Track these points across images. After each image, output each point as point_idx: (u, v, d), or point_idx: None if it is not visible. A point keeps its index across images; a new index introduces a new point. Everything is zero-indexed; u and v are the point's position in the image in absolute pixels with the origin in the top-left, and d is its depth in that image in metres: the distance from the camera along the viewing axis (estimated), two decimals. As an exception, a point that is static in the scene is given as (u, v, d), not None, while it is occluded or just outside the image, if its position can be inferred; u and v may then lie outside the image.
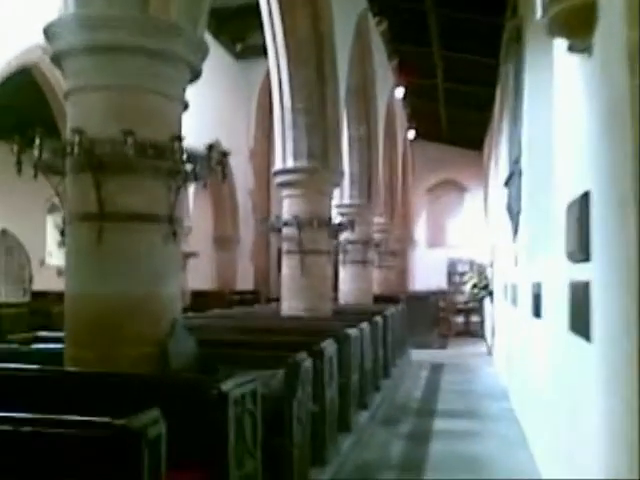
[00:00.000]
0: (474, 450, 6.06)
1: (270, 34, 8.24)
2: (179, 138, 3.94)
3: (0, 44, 10.24)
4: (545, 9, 2.65)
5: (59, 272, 20.21)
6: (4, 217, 18.58)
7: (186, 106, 4.29)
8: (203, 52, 4.21)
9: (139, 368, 3.82)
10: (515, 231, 7.77)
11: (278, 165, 8.63)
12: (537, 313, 5.69)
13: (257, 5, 8.47)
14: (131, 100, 3.89)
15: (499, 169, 10.97)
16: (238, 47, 16.12)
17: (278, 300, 15.41)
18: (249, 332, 6.23)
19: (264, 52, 8.40)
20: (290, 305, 8.45)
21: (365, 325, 6.83)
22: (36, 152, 3.68)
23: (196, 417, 3.01)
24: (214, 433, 2.98)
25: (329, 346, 5.05)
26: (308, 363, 4.30)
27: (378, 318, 7.77)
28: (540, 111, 6.14)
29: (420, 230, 19.86)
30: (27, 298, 16.35)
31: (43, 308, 9.34)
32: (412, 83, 14.55)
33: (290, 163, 8.47)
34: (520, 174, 7.23)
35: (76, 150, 3.62)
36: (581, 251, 3.01)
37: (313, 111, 8.45)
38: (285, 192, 8.60)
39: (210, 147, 4.08)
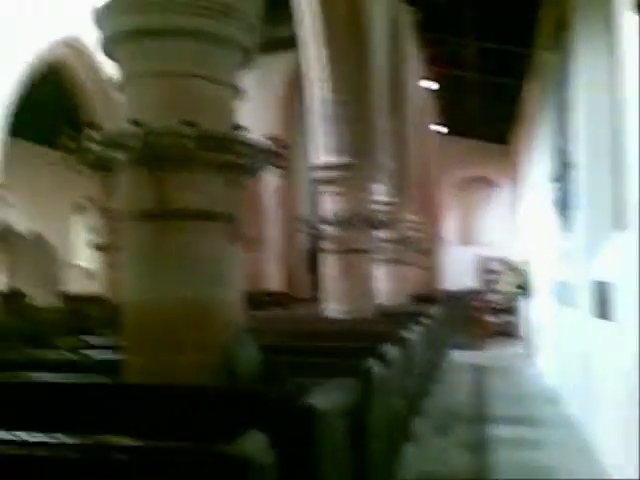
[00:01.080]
0: (538, 459, 5.71)
1: (305, 22, 7.90)
2: (238, 127, 3.63)
3: (24, 41, 10.09)
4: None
5: (89, 274, 20.15)
6: (35, 220, 18.50)
7: (241, 93, 3.98)
8: (257, 35, 3.89)
9: (202, 377, 3.52)
10: (566, 227, 7.39)
11: (316, 161, 8.31)
12: (602, 314, 5.33)
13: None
14: (186, 86, 3.59)
15: (537, 163, 10.59)
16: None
17: (310, 301, 15.24)
18: (300, 336, 5.92)
19: (289, 45, 8.13)
20: (331, 306, 8.14)
21: (417, 327, 6.51)
22: (90, 145, 3.38)
23: (281, 435, 2.70)
24: (303, 452, 2.66)
25: (392, 351, 4.73)
26: (379, 370, 3.98)
27: (426, 319, 7.43)
28: (599, 101, 5.77)
29: (451, 228, 19.46)
30: (59, 301, 16.22)
31: (81, 311, 9.15)
32: (443, 75, 14.18)
33: (328, 158, 8.15)
34: (570, 167, 6.86)
35: (134, 143, 3.31)
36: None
37: (351, 103, 8.11)
38: (323, 189, 8.27)
39: (272, 138, 3.77)
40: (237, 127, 3.65)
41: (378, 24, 8.85)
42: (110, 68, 4.08)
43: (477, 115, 16.34)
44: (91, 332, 7.16)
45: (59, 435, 1.99)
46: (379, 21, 9.00)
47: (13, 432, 2.05)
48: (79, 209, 21.01)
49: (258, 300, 14.23)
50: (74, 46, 11.51)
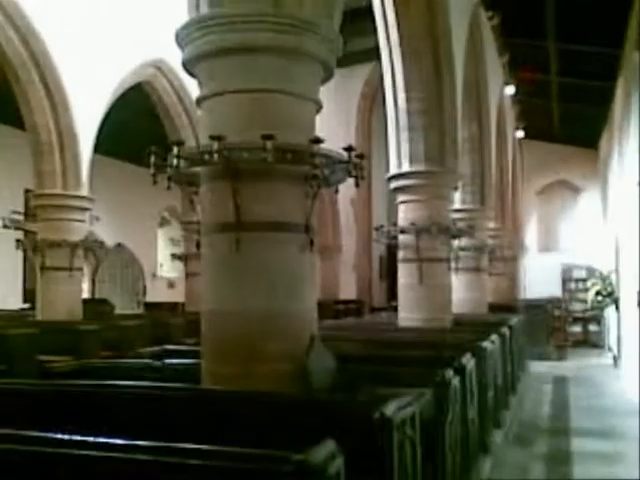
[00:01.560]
0: (621, 474, 5.47)
1: (383, 32, 7.93)
2: (317, 141, 3.69)
3: (113, 62, 10.62)
4: None
5: (170, 284, 20.97)
6: (120, 232, 19.42)
7: (320, 107, 4.05)
8: (337, 49, 3.95)
9: (277, 386, 3.60)
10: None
11: (393, 170, 8.30)
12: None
13: (354, 10, 8.19)
14: (267, 103, 3.69)
15: (626, 167, 10.13)
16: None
17: (383, 310, 15.20)
18: (376, 345, 5.92)
19: (368, 57, 8.15)
20: (407, 316, 8.08)
21: (495, 337, 6.36)
22: (174, 161, 3.54)
23: (354, 444, 2.73)
24: (375, 462, 2.68)
25: (468, 361, 4.65)
26: (456, 381, 3.94)
27: (505, 329, 7.25)
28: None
29: (531, 235, 18.88)
30: (141, 310, 16.91)
31: (161, 320, 9.48)
32: (524, 79, 13.82)
33: (406, 167, 8.12)
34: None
35: (215, 157, 3.45)
36: None
37: (430, 111, 8.07)
38: (401, 197, 8.24)
39: (349, 149, 3.81)
40: (316, 140, 3.72)
41: (456, 30, 8.74)
42: (193, 87, 4.25)
43: (560, 119, 15.83)
44: (172, 340, 7.44)
45: (138, 441, 2.09)
46: (457, 27, 8.89)
47: (95, 437, 2.17)
48: (163, 222, 21.90)
49: (333, 308, 14.34)
50: (160, 67, 12.03)
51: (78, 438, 2.16)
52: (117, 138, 14.88)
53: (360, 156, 3.95)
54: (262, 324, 3.62)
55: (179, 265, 15.27)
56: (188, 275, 13.39)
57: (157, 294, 20.19)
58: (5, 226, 10.71)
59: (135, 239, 20.44)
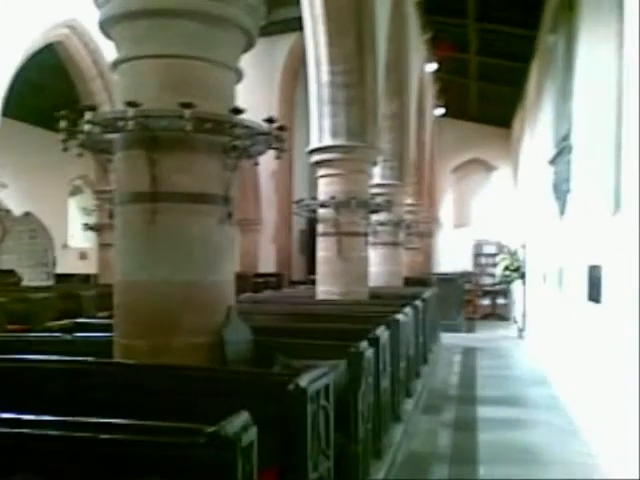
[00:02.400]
0: (524, 439, 5.83)
1: (308, 5, 7.86)
2: (238, 111, 3.64)
3: (26, 22, 10.00)
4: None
5: (81, 255, 20.20)
6: (28, 200, 18.48)
7: (241, 77, 3.98)
8: (260, 18, 3.89)
9: (193, 358, 3.59)
10: (562, 211, 7.43)
11: (314, 143, 8.30)
12: (595, 298, 5.40)
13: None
14: (185, 69, 3.59)
15: (537, 147, 10.59)
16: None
17: (302, 283, 15.30)
18: (293, 318, 5.97)
19: (290, 27, 8.01)
20: (326, 289, 8.19)
21: (409, 310, 6.56)
22: (86, 127, 3.39)
23: (268, 415, 2.76)
24: (289, 433, 2.73)
25: (382, 333, 4.78)
26: (370, 353, 4.04)
27: (418, 302, 7.48)
28: (599, 84, 5.74)
29: (446, 211, 19.46)
30: (51, 281, 16.23)
31: (72, 292, 9.13)
32: (445, 57, 14.10)
33: (327, 141, 8.14)
34: (570, 151, 6.87)
35: (130, 124, 3.33)
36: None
37: (352, 85, 8.09)
38: (321, 171, 8.28)
39: (270, 120, 3.78)
40: (236, 110, 3.66)
41: (380, 5, 8.77)
42: (109, 50, 4.07)
43: (478, 98, 16.28)
44: (83, 314, 7.20)
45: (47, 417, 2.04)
46: (381, 2, 8.92)
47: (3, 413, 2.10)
48: (75, 191, 21.00)
49: (252, 281, 14.31)
50: (73, 27, 11.42)
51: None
52: (27, 101, 14.08)
53: (281, 128, 3.92)
54: (178, 296, 3.57)
55: (91, 236, 14.75)
56: (101, 246, 12.97)
57: (68, 266, 19.42)
58: None
59: (45, 208, 19.50)
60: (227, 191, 3.75)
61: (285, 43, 17.45)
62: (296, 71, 17.24)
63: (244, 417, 2.06)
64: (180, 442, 1.90)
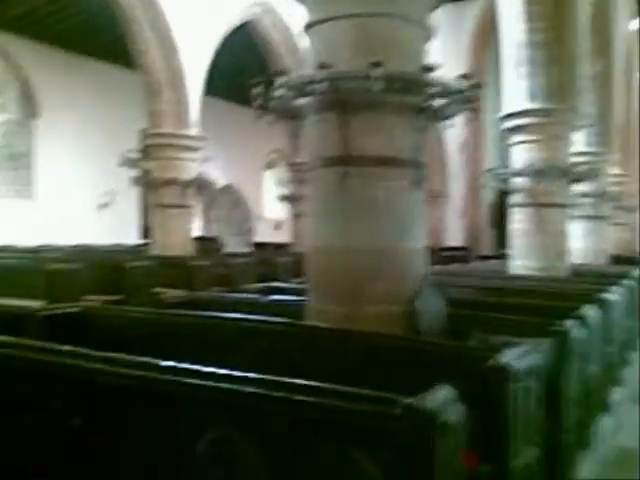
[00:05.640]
0: None
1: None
2: (429, 69, 3.40)
3: (219, 5, 10.61)
4: None
5: (276, 225, 21.31)
6: (229, 173, 19.92)
7: (430, 35, 3.73)
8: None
9: (384, 327, 3.45)
10: None
11: (508, 108, 7.74)
12: None
13: None
14: (377, 27, 3.43)
15: None
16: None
17: (490, 257, 14.63)
18: (486, 293, 5.62)
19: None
20: (522, 263, 7.65)
21: (619, 289, 5.88)
22: (279, 92, 3.38)
23: (464, 392, 2.54)
24: (489, 414, 2.48)
25: (592, 313, 4.29)
26: (578, 333, 3.62)
27: (630, 282, 6.68)
28: None
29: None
30: (249, 249, 17.31)
31: (268, 259, 9.64)
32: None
33: (523, 105, 7.54)
34: None
35: (321, 87, 3.25)
36: None
37: (551, 44, 7.38)
38: (516, 138, 7.71)
39: (464, 76, 3.49)
40: (427, 68, 3.43)
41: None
42: (297, 24, 4.05)
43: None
44: (278, 279, 7.50)
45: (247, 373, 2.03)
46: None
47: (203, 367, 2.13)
48: (270, 164, 22.17)
49: (439, 255, 13.98)
50: (265, 5, 11.91)
51: (191, 367, 2.14)
52: (225, 79, 14.96)
53: (476, 85, 3.62)
54: (369, 263, 3.47)
55: (285, 207, 15.41)
56: (295, 216, 13.49)
57: (263, 235, 20.64)
58: (121, 165, 11.13)
59: (243, 180, 20.90)
60: (418, 154, 3.55)
61: (473, 8, 16.70)
62: (486, 36, 16.37)
63: (447, 391, 1.88)
64: (375, 411, 1.77)
